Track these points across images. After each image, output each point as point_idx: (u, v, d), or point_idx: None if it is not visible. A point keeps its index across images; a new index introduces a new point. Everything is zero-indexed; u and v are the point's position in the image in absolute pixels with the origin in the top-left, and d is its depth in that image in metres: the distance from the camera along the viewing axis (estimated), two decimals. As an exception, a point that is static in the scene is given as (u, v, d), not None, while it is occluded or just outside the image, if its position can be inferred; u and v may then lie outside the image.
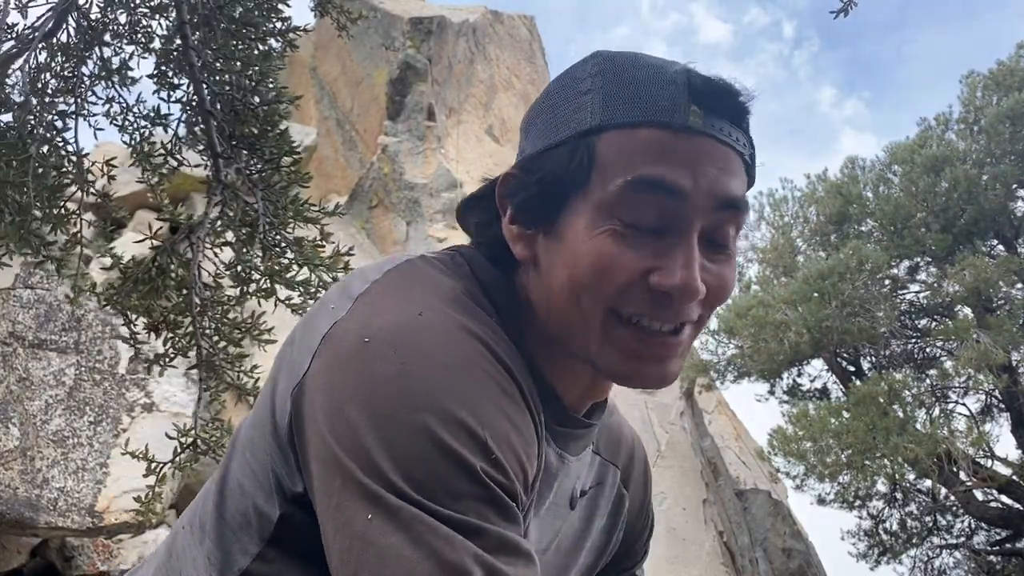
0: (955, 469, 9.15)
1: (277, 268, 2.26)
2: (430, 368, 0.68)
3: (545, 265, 0.79)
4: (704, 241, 0.77)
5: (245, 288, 2.30)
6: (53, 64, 2.93)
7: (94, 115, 2.98)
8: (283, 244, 2.26)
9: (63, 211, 2.71)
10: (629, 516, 1.04)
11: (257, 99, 2.43)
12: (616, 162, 0.74)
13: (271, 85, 2.56)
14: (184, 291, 2.28)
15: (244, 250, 2.30)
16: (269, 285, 2.27)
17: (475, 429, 0.66)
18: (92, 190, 2.87)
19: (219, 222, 2.33)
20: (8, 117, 2.69)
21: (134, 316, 2.39)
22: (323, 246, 2.33)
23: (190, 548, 0.84)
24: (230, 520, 0.80)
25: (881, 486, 11.30)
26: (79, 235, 2.76)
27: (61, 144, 2.75)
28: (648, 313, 0.76)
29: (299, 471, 0.73)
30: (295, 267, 2.30)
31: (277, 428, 0.75)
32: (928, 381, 10.55)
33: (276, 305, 2.31)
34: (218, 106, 2.42)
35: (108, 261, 2.53)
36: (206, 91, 2.45)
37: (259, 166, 2.36)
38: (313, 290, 2.27)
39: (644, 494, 1.07)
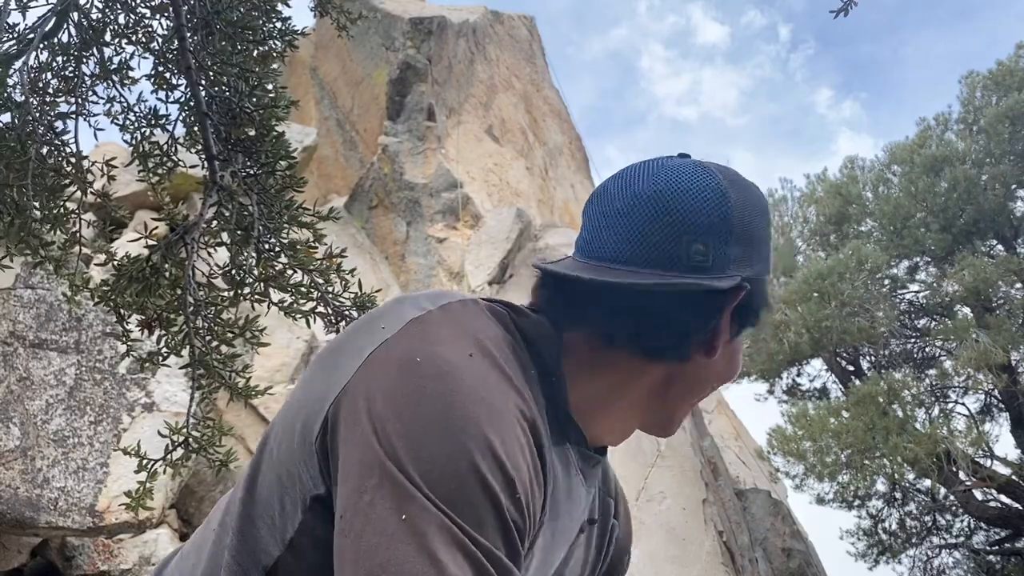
0: (954, 469, 9.15)
1: (271, 273, 2.27)
2: (474, 402, 0.74)
3: (712, 363, 0.92)
4: None
5: (239, 291, 2.32)
6: (53, 64, 2.93)
7: (94, 115, 2.98)
8: (277, 248, 2.28)
9: (62, 210, 2.72)
10: (617, 544, 1.13)
11: (254, 101, 2.44)
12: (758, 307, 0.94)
13: (268, 88, 2.57)
14: (178, 290, 2.29)
15: (240, 254, 2.31)
16: (263, 289, 2.29)
17: (507, 466, 0.73)
18: (92, 190, 2.88)
19: (215, 223, 2.34)
20: (7, 117, 2.69)
21: (127, 313, 2.40)
22: (315, 247, 2.35)
23: (215, 546, 0.89)
24: (257, 520, 0.84)
25: (880, 486, 11.32)
26: (78, 234, 2.77)
27: (61, 145, 2.75)
28: None
29: (322, 475, 0.77)
30: (289, 271, 2.32)
31: (306, 432, 0.79)
32: (927, 381, 10.56)
33: (269, 308, 2.33)
34: (214, 108, 2.43)
35: (103, 259, 2.54)
36: (203, 93, 2.45)
37: (254, 170, 2.38)
38: (305, 291, 2.29)
39: (629, 526, 1.18)
